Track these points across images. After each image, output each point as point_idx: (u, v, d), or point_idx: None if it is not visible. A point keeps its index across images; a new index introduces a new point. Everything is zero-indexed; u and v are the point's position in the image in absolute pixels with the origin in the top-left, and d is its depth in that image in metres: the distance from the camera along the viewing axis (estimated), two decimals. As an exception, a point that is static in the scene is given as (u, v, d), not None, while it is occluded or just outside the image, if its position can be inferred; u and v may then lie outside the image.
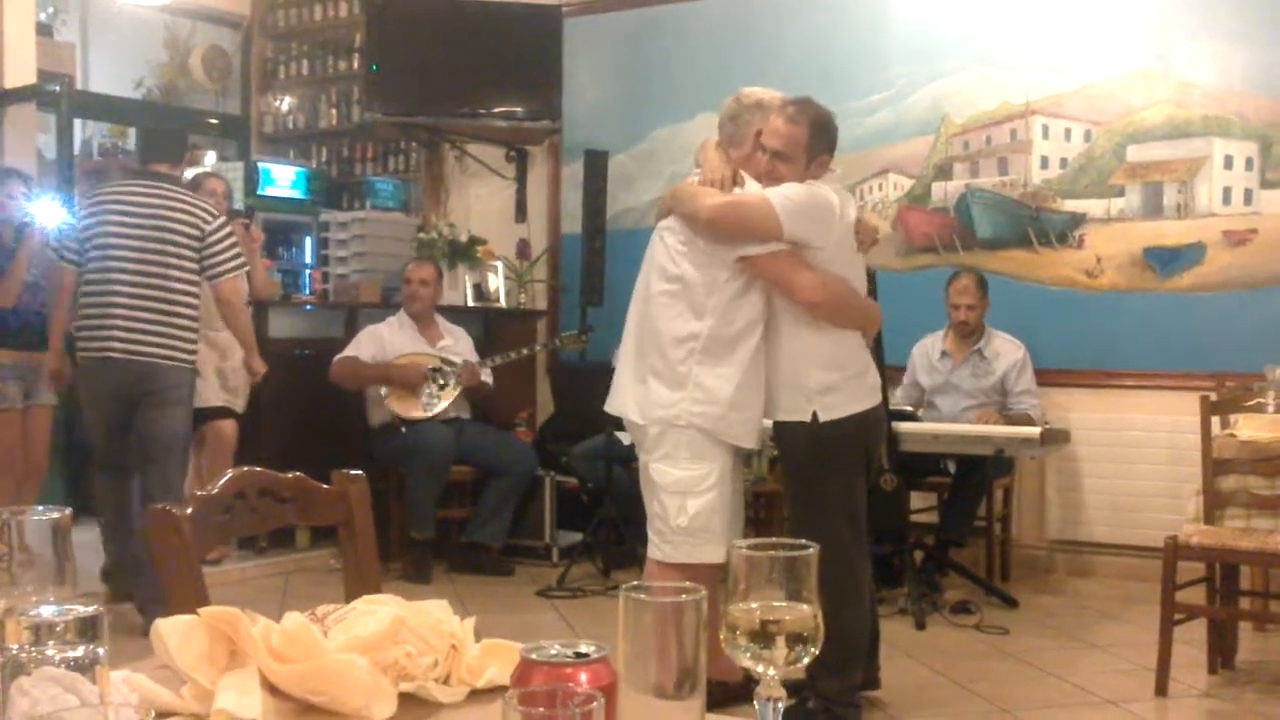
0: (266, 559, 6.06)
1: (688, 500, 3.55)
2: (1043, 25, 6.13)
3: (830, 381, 3.60)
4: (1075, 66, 6.06)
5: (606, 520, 5.92)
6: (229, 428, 5.94)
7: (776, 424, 3.68)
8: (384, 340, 6.16)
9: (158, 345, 4.76)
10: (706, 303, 3.55)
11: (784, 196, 3.49)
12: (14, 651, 0.97)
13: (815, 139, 3.56)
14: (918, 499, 5.81)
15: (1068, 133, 6.11)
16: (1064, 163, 6.11)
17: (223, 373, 5.95)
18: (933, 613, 5.06)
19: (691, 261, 3.57)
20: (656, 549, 3.62)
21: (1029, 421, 5.47)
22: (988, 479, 5.59)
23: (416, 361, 6.10)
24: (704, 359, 3.56)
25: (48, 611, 1.00)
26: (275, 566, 6.04)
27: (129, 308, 4.76)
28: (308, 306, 6.98)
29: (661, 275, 3.62)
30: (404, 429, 6.02)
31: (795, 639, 1.03)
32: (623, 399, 3.72)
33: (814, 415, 3.58)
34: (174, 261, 4.78)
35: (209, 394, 5.90)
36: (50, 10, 8.41)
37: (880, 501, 4.42)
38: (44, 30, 7.96)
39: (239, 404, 6.01)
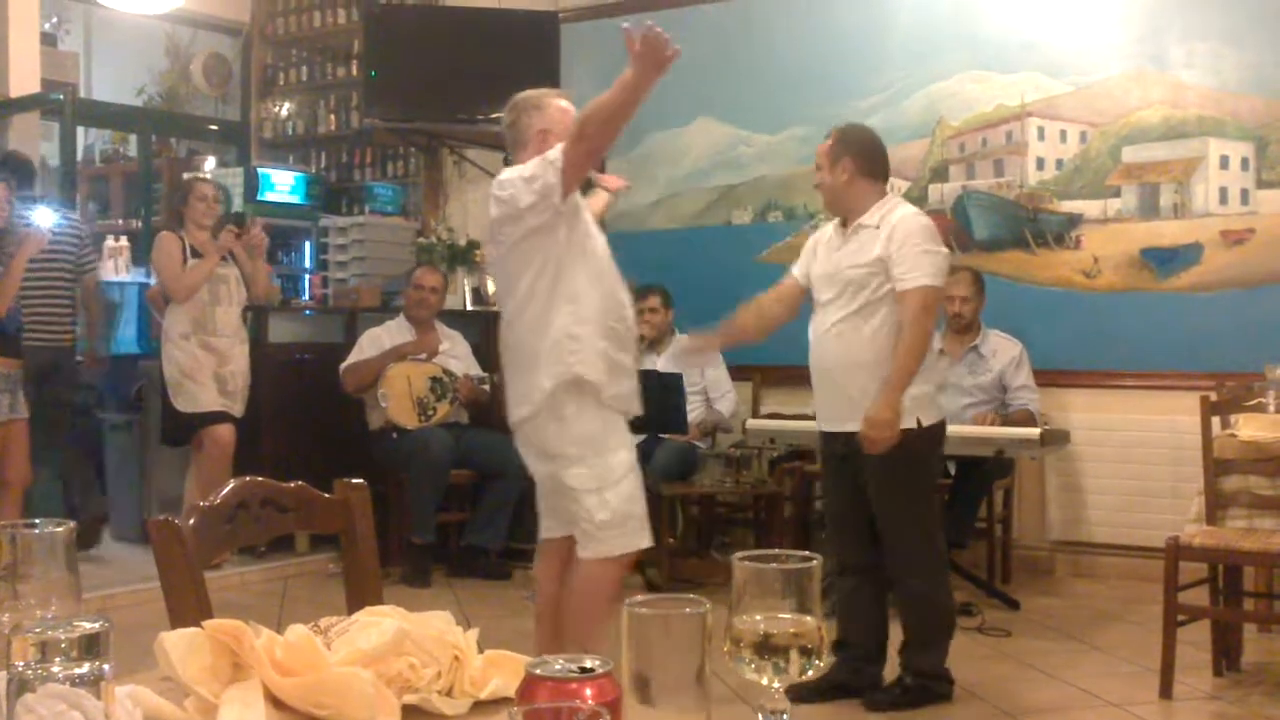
0: (266, 563, 6.06)
1: (605, 493, 3.43)
2: (1038, 28, 6.14)
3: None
4: (1070, 69, 6.07)
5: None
6: (227, 432, 5.93)
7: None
8: (384, 344, 6.17)
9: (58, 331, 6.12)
10: (557, 277, 3.57)
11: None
12: (19, 668, 0.97)
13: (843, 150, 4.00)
14: (918, 501, 5.80)
15: (1063, 134, 6.11)
16: (1060, 164, 6.11)
17: (220, 377, 5.94)
18: (934, 615, 5.06)
19: (509, 265, 3.60)
20: (584, 549, 3.48)
21: (1029, 419, 5.46)
22: (988, 480, 5.58)
23: (418, 370, 6.10)
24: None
25: (53, 628, 1.00)
26: (274, 571, 6.04)
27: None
28: (307, 311, 7.00)
29: (525, 295, 3.57)
30: (395, 435, 6.02)
31: (801, 651, 1.03)
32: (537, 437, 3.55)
33: (918, 421, 3.86)
34: (61, 264, 6.12)
35: (207, 399, 5.90)
36: (54, 20, 8.43)
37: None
38: (48, 40, 7.98)
39: (237, 409, 6.00)
